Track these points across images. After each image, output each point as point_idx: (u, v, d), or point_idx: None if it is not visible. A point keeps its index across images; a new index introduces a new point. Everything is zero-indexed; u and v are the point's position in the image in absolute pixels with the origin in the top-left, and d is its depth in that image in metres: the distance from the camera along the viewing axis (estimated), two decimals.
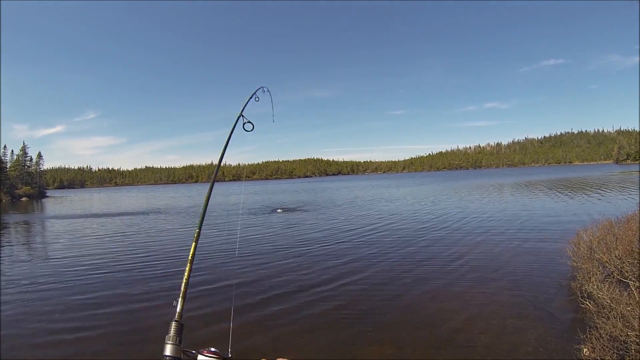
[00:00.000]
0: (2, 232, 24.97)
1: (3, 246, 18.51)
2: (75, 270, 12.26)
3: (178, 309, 1.38)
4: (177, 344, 1.24)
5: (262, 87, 2.80)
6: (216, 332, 6.86)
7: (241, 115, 2.25)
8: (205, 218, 1.77)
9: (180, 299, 1.41)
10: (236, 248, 14.76)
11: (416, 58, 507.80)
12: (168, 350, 1.23)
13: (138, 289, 9.91)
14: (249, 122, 2.25)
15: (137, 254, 14.46)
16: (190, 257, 1.54)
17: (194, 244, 1.63)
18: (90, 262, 13.25)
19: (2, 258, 14.89)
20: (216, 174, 2.14)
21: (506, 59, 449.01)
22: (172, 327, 1.28)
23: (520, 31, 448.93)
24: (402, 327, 7.13)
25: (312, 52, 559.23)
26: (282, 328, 7.22)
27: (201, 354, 1.25)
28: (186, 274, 1.48)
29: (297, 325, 7.33)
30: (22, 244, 19.47)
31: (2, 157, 77.13)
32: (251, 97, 2.58)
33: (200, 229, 1.71)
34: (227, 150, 2.24)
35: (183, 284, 1.45)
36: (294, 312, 7.93)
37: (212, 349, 1.26)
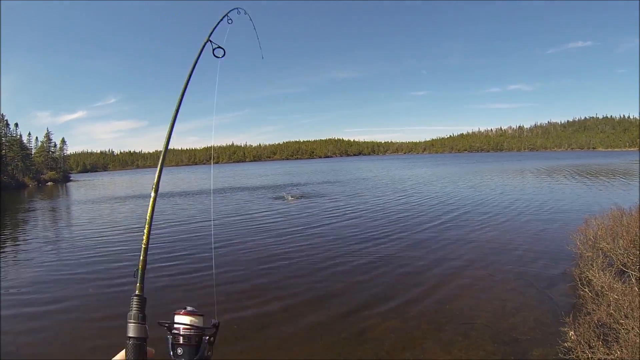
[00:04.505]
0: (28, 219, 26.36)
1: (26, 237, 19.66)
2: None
3: (138, 282, 1.20)
4: (141, 322, 1.09)
5: (237, 8, 2.30)
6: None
7: (209, 40, 1.85)
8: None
9: (139, 269, 1.23)
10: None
11: (439, 39, 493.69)
12: (131, 330, 1.07)
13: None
14: (220, 47, 1.86)
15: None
16: (148, 218, 1.35)
17: (150, 206, 1.40)
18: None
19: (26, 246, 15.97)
20: (173, 124, 1.66)
21: (532, 41, 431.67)
22: (133, 302, 1.12)
23: (548, 12, 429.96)
24: (408, 302, 7.74)
25: (333, 33, 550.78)
26: (295, 297, 7.83)
27: (178, 315, 1.12)
28: (145, 237, 1.31)
29: (303, 298, 7.99)
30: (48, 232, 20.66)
31: (27, 144, 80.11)
32: (222, 19, 2.09)
33: (157, 189, 1.49)
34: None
35: (142, 251, 1.28)
36: (304, 284, 8.54)
37: (189, 308, 1.13)
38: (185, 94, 1.75)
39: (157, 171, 1.53)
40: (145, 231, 1.31)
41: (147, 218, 1.34)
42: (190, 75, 1.80)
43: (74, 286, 9.66)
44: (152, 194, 1.42)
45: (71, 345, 6.57)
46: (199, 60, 1.84)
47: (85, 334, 6.97)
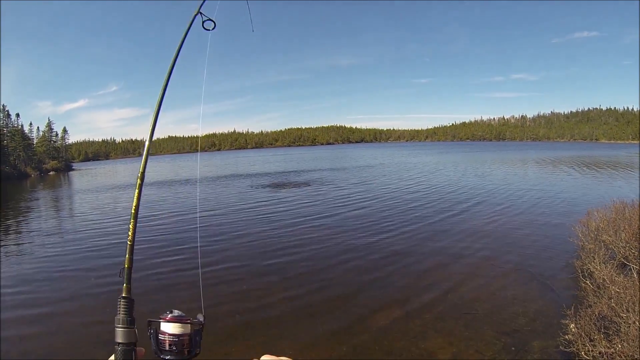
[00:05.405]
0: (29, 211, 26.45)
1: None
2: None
3: (125, 282, 1.07)
4: (130, 326, 1.00)
5: None
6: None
7: (199, 12, 1.69)
8: None
9: (125, 268, 1.08)
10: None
11: (443, 27, 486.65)
12: (119, 336, 0.98)
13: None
14: (210, 19, 1.69)
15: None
16: (133, 211, 1.18)
17: (135, 199, 1.24)
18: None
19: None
20: (162, 99, 1.44)
21: (537, 30, 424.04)
22: (120, 305, 1.02)
23: (553, 0, 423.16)
24: (410, 292, 7.83)
25: (336, 19, 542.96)
26: (297, 291, 7.87)
27: (163, 321, 1.01)
28: (130, 234, 1.13)
29: (302, 292, 7.98)
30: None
31: (29, 134, 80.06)
32: None
33: (142, 179, 1.31)
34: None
35: (127, 249, 1.11)
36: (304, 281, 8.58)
37: (176, 312, 1.03)
38: (174, 69, 1.55)
39: (143, 158, 1.36)
40: (131, 226, 1.14)
41: (132, 211, 1.17)
42: (179, 50, 1.62)
43: (75, 280, 9.72)
44: (138, 182, 1.27)
45: (72, 343, 6.52)
46: (188, 34, 1.65)
47: (86, 330, 6.95)
